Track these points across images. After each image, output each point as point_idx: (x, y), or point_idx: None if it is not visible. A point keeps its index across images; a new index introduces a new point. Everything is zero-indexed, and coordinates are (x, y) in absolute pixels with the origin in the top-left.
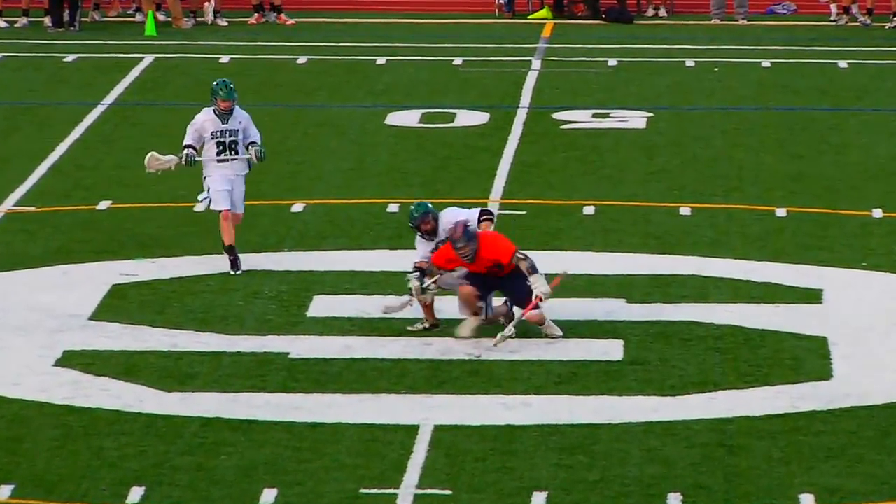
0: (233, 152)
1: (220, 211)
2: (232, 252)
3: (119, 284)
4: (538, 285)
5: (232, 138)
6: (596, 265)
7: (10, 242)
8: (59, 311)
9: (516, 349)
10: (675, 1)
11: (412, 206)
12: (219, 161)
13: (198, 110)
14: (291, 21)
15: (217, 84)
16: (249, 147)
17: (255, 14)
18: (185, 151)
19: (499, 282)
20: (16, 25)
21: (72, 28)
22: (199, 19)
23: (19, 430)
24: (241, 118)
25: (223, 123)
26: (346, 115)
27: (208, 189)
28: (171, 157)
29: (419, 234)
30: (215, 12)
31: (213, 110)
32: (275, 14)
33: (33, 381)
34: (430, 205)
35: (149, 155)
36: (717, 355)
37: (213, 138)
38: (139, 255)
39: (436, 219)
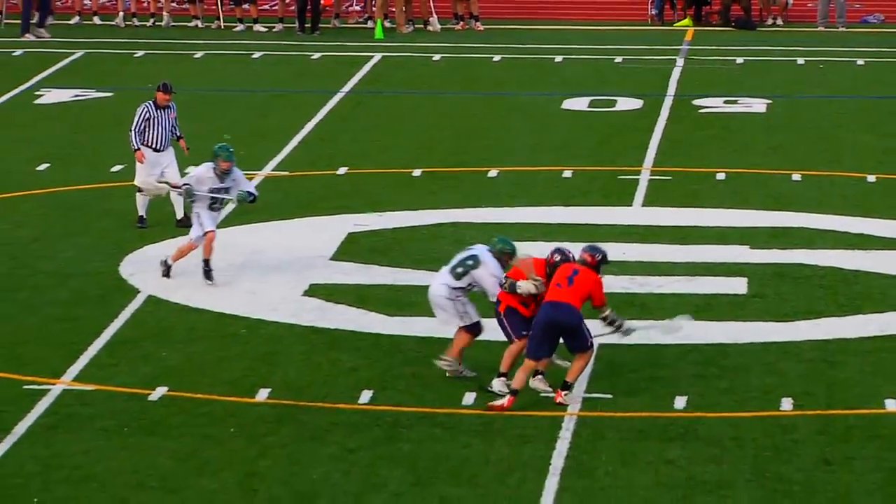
0: (221, 203)
1: (208, 232)
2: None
3: (353, 233)
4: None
5: (225, 195)
6: (726, 219)
7: (268, 200)
8: (306, 252)
9: (663, 284)
10: (788, 12)
11: (219, 146)
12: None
13: (416, 98)
14: (482, 28)
15: (220, 147)
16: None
17: (460, 22)
18: (186, 186)
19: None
20: (273, 30)
21: (315, 33)
22: (416, 26)
23: (275, 346)
24: (236, 176)
25: (220, 182)
26: (531, 101)
27: (198, 216)
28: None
29: (215, 168)
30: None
31: (214, 169)
32: (474, 21)
33: (287, 307)
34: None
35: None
36: (820, 290)
37: (209, 192)
38: (371, 209)
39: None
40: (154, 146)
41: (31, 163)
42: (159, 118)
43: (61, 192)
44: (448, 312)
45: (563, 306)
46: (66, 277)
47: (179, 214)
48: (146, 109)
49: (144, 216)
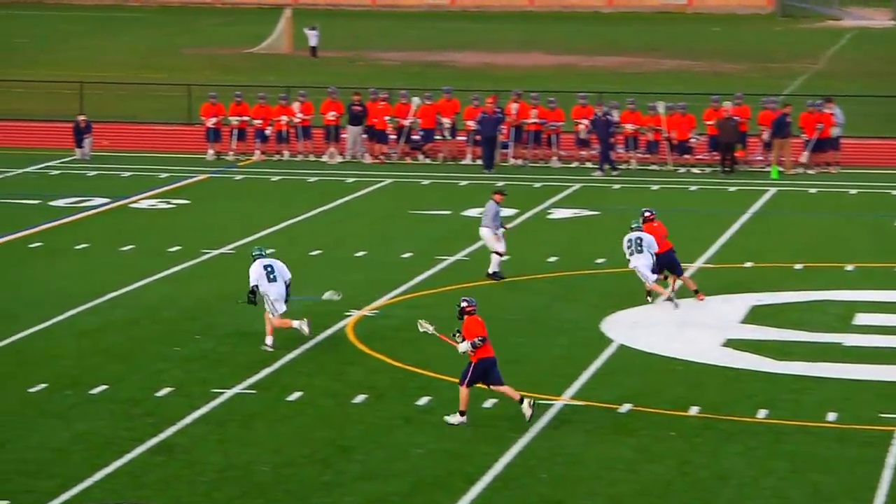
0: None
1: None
2: None
3: (756, 306)
4: None
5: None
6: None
7: (700, 282)
8: (723, 318)
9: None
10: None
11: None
12: None
13: (795, 217)
14: (836, 171)
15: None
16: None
17: (826, 167)
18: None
19: None
20: (704, 172)
21: (731, 173)
22: (797, 171)
23: (702, 379)
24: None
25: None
26: (873, 220)
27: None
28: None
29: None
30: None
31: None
32: (833, 166)
33: (709, 354)
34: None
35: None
36: None
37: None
38: (767, 290)
39: None
40: (495, 228)
41: (544, 255)
42: (498, 211)
43: (566, 276)
44: None
45: None
46: (564, 332)
47: (491, 269)
48: (493, 205)
49: (499, 270)
